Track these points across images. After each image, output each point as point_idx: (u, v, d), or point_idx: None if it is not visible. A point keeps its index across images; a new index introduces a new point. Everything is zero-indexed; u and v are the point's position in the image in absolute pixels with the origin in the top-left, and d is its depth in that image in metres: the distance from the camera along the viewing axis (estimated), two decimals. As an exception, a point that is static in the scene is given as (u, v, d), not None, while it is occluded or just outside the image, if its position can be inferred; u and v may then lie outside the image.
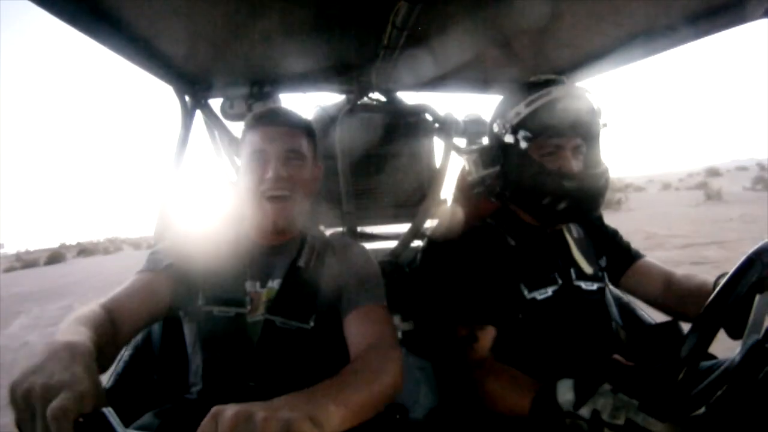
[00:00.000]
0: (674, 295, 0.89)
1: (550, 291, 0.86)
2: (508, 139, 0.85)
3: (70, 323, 0.60)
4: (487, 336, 0.82)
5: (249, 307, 0.79)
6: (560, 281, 0.88)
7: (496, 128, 0.90)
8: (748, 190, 14.25)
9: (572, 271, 0.90)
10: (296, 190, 0.80)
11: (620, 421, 0.56)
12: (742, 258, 0.55)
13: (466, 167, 0.97)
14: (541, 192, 0.83)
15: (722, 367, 0.51)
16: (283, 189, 0.78)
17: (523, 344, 0.84)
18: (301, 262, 0.83)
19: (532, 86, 0.85)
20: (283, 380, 0.68)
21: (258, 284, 0.81)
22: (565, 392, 0.63)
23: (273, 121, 0.82)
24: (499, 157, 0.90)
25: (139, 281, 0.77)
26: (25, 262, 19.87)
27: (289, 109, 0.88)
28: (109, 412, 0.48)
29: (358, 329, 0.76)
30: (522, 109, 0.83)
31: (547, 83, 0.84)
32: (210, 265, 0.81)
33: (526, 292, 0.85)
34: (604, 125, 0.85)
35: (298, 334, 0.78)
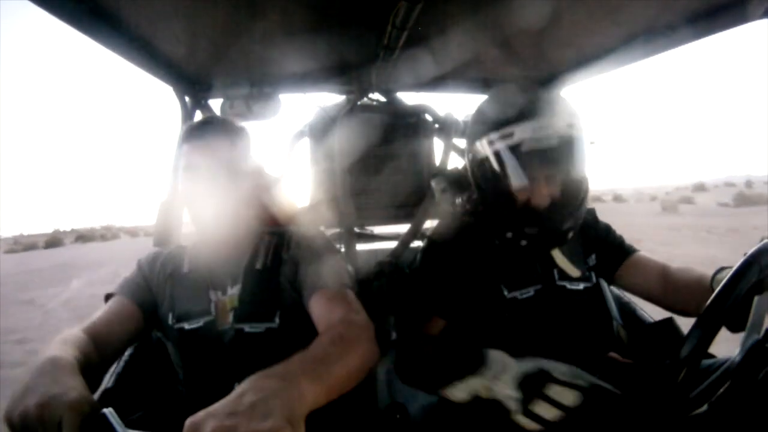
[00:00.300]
0: (671, 289, 0.85)
1: (532, 290, 0.86)
2: (480, 162, 0.84)
3: (54, 344, 0.62)
4: (438, 326, 0.85)
5: (214, 313, 0.80)
6: (543, 281, 0.87)
7: (468, 151, 0.88)
8: (722, 205, 14.48)
9: (555, 272, 0.89)
10: (229, 201, 0.79)
11: (582, 383, 0.60)
12: (741, 259, 0.55)
13: (435, 197, 0.98)
14: (504, 226, 0.84)
15: (723, 367, 0.51)
16: (215, 204, 0.78)
17: (506, 344, 0.84)
18: (258, 264, 0.84)
19: (508, 105, 0.79)
20: None
21: (220, 293, 0.82)
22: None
23: (200, 135, 0.81)
24: (468, 182, 0.90)
25: (114, 306, 0.80)
26: (24, 245, 20.00)
27: (216, 119, 0.87)
28: (109, 412, 0.48)
29: (324, 308, 0.75)
30: (495, 139, 0.79)
31: (527, 102, 0.78)
32: (175, 282, 0.84)
33: (506, 292, 0.85)
34: (591, 143, 0.81)
35: (268, 335, 0.79)
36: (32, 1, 0.71)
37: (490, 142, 0.80)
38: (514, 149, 0.77)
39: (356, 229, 1.47)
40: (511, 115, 0.78)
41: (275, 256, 0.86)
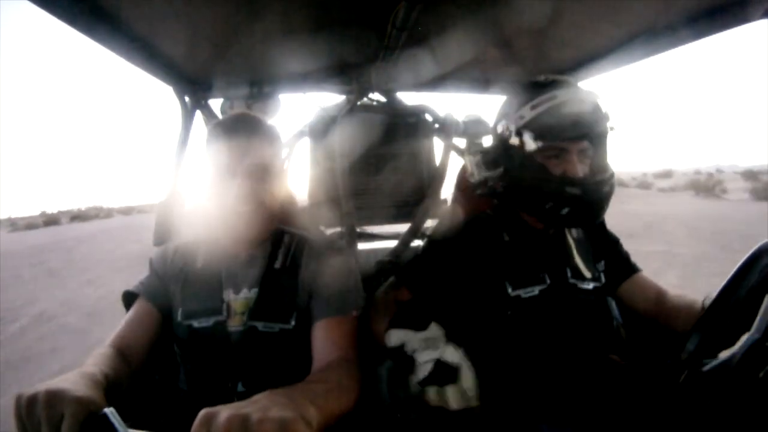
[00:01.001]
0: (664, 310, 0.90)
1: (536, 290, 0.86)
2: (512, 141, 0.85)
3: (87, 362, 0.66)
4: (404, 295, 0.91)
5: (226, 314, 0.80)
6: (549, 281, 0.88)
7: (500, 129, 0.89)
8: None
9: (568, 270, 0.90)
10: (261, 201, 0.79)
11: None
12: (742, 260, 0.55)
13: (468, 169, 0.97)
14: (544, 196, 0.83)
15: (723, 367, 0.51)
16: (247, 204, 0.77)
17: (508, 341, 0.84)
18: (277, 264, 0.84)
19: (537, 87, 0.84)
20: (272, 381, 0.70)
21: (233, 292, 0.82)
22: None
23: (234, 133, 0.79)
24: (502, 159, 0.90)
25: (137, 313, 0.82)
26: (25, 225, 20.53)
27: (249, 116, 0.85)
28: (111, 412, 0.48)
29: (322, 342, 0.78)
30: (527, 112, 0.82)
31: (553, 84, 0.83)
32: (187, 278, 0.84)
33: (510, 290, 0.85)
34: (612, 128, 0.83)
35: (281, 336, 0.79)
36: (32, 1, 0.71)
37: (534, 106, 0.81)
38: (557, 110, 0.80)
39: (356, 229, 1.47)
40: (548, 86, 0.83)
41: (295, 257, 0.86)
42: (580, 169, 0.82)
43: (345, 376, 0.70)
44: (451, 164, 1.49)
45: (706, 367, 0.55)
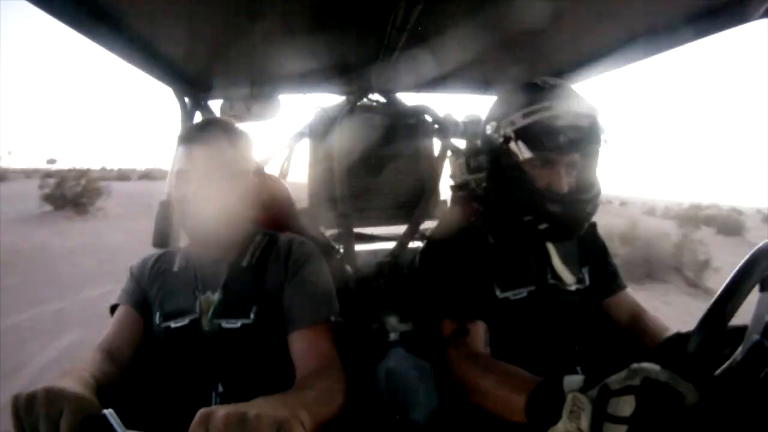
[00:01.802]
0: (639, 331, 0.90)
1: (525, 292, 0.85)
2: (500, 146, 0.83)
3: (72, 368, 0.66)
4: (479, 329, 0.81)
5: (198, 312, 0.81)
6: (536, 283, 0.87)
7: (489, 131, 0.87)
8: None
9: (548, 270, 0.89)
10: (224, 203, 0.80)
11: (635, 382, 0.50)
12: (743, 260, 0.54)
13: (450, 171, 0.97)
14: (524, 208, 0.81)
15: (723, 367, 0.51)
16: (208, 206, 0.78)
17: (497, 344, 0.83)
18: (244, 262, 0.85)
19: (533, 92, 0.81)
20: (250, 381, 0.73)
21: (209, 293, 0.83)
22: (573, 381, 0.57)
23: (192, 140, 0.81)
24: (486, 164, 0.89)
25: (120, 317, 0.84)
26: (119, 176, 22.95)
27: (212, 122, 0.88)
28: (110, 413, 0.48)
29: (302, 352, 0.78)
30: (518, 119, 0.79)
31: (551, 90, 0.80)
32: (164, 283, 0.85)
33: (498, 292, 0.85)
34: (605, 141, 0.81)
35: (244, 331, 0.80)
36: (32, 2, 0.71)
37: (526, 114, 0.79)
38: (550, 122, 0.77)
39: (356, 230, 1.47)
40: (544, 93, 0.80)
41: (263, 256, 0.86)
42: (566, 183, 0.79)
43: (332, 382, 0.70)
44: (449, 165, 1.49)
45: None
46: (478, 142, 0.96)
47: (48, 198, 9.82)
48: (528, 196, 0.80)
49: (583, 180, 0.83)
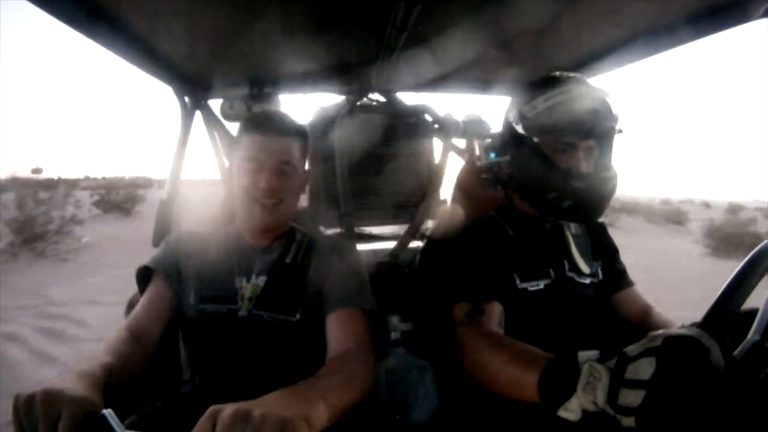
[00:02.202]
0: (645, 324, 0.92)
1: (542, 284, 0.87)
2: (522, 131, 0.86)
3: (87, 357, 0.67)
4: (495, 310, 0.80)
5: (240, 303, 0.82)
6: (554, 275, 0.88)
7: (510, 118, 0.91)
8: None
9: (566, 262, 0.91)
10: (286, 196, 0.84)
11: (656, 343, 0.47)
12: (743, 261, 0.54)
13: (477, 152, 0.98)
14: (547, 187, 0.83)
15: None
16: (274, 197, 0.82)
17: (512, 335, 0.84)
18: (288, 259, 0.87)
19: (552, 81, 0.85)
20: (274, 372, 0.74)
21: (244, 280, 0.84)
22: (588, 354, 0.54)
23: (268, 129, 0.83)
24: (510, 147, 0.91)
25: (150, 293, 0.84)
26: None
27: (284, 115, 0.90)
28: (109, 414, 0.48)
29: (338, 332, 0.80)
30: (539, 104, 0.83)
31: (567, 80, 0.84)
32: (201, 264, 0.86)
33: (518, 282, 0.86)
34: (620, 131, 0.84)
35: (285, 327, 0.82)
36: (32, 2, 0.71)
37: (547, 98, 0.82)
38: (569, 105, 0.80)
39: (356, 229, 1.47)
40: (563, 81, 0.84)
41: (306, 254, 0.89)
42: (585, 166, 0.83)
43: (360, 365, 0.72)
44: (450, 165, 1.49)
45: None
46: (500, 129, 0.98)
47: (98, 204, 12.47)
48: (551, 175, 0.83)
49: (600, 164, 0.86)
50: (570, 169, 0.82)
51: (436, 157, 1.57)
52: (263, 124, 0.85)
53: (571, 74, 0.87)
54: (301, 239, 0.91)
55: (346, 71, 1.35)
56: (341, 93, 1.46)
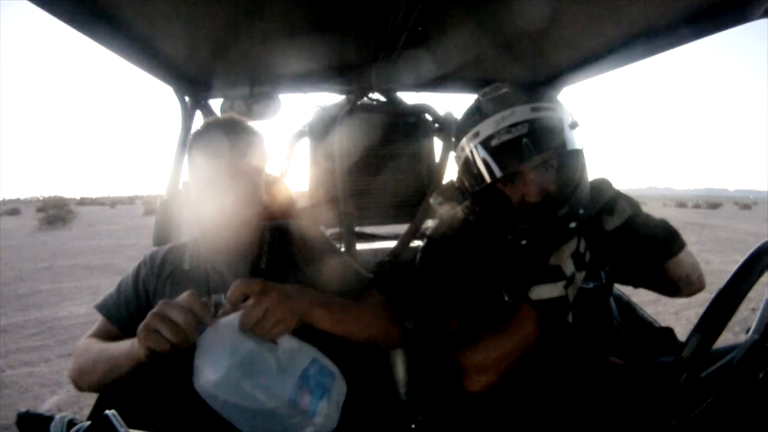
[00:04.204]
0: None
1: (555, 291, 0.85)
2: (466, 168, 0.80)
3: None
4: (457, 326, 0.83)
5: (214, 314, 0.80)
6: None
7: (456, 161, 0.85)
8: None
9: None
10: (244, 203, 0.79)
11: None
12: (743, 260, 0.54)
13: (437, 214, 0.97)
14: (502, 228, 0.81)
15: (723, 368, 0.51)
16: (238, 217, 0.79)
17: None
18: (262, 264, 0.84)
19: (471, 113, 0.79)
20: None
21: (222, 296, 0.82)
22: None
23: (214, 137, 0.78)
24: (465, 192, 0.86)
25: (95, 332, 0.83)
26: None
27: (231, 120, 0.83)
28: (112, 414, 0.48)
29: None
30: (467, 144, 0.78)
31: (484, 104, 0.77)
32: (175, 279, 0.84)
33: (506, 297, 0.84)
34: (572, 126, 0.76)
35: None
36: (32, 2, 0.71)
37: (464, 147, 0.78)
38: (486, 147, 0.74)
39: (356, 229, 1.47)
40: (475, 116, 0.77)
41: (280, 254, 0.86)
42: (537, 192, 0.76)
43: (378, 317, 0.78)
44: (451, 164, 1.49)
45: (704, 373, 0.54)
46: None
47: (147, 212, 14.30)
48: (500, 218, 0.80)
49: (563, 177, 0.78)
50: (520, 208, 0.77)
51: (436, 157, 1.57)
52: (206, 132, 0.82)
53: (489, 94, 0.79)
54: (271, 238, 0.88)
55: (346, 71, 1.35)
56: (341, 93, 1.47)
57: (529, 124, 0.72)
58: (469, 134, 0.76)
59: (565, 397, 0.79)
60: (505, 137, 0.72)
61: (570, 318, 0.82)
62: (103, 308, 0.84)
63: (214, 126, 0.81)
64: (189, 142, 0.82)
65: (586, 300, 0.88)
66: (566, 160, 0.78)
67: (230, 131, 0.79)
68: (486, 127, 0.74)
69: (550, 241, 0.78)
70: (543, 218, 0.75)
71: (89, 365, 0.74)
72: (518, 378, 0.81)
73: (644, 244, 0.82)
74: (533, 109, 0.73)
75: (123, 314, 0.83)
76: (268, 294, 0.61)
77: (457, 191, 0.89)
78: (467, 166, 0.79)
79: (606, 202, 0.80)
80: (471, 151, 0.77)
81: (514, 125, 0.72)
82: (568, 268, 0.77)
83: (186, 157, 0.83)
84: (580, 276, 0.78)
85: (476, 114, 0.77)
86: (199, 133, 0.82)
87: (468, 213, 0.91)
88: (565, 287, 0.79)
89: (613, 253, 0.93)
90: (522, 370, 0.81)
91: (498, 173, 0.74)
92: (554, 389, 0.80)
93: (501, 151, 0.73)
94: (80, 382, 0.76)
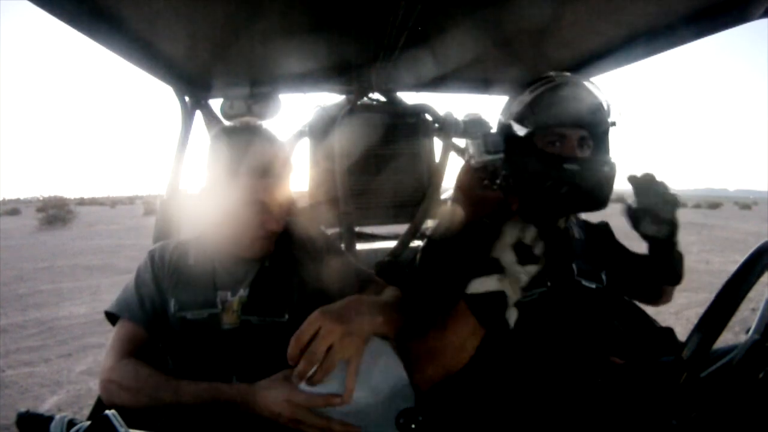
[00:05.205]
0: None
1: (536, 293, 0.85)
2: (512, 126, 0.85)
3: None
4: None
5: (221, 308, 0.81)
6: (549, 284, 0.86)
7: (502, 118, 0.91)
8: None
9: (574, 266, 0.89)
10: (262, 202, 0.80)
11: None
12: (743, 260, 0.55)
13: (470, 150, 0.96)
14: (542, 176, 0.80)
15: (723, 368, 0.51)
16: (248, 204, 0.79)
17: (508, 347, 0.83)
18: (267, 262, 0.86)
19: (542, 78, 0.86)
20: (264, 374, 0.71)
21: (229, 293, 0.83)
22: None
23: (238, 135, 0.80)
24: (502, 144, 0.89)
25: (120, 336, 0.81)
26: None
27: (253, 121, 0.88)
28: (112, 414, 0.48)
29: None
30: (526, 97, 0.84)
31: (558, 76, 0.84)
32: (180, 275, 0.84)
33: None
34: (613, 123, 0.83)
35: (274, 327, 0.81)
36: (32, 2, 0.71)
37: (532, 90, 0.83)
38: (553, 94, 0.80)
39: (356, 229, 1.47)
40: (555, 75, 0.84)
41: (290, 258, 0.88)
42: (579, 153, 0.81)
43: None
44: (451, 164, 1.49)
45: (704, 373, 0.55)
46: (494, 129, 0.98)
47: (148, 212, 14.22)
48: (544, 163, 0.81)
49: (597, 155, 0.85)
50: (561, 154, 0.81)
51: (436, 157, 1.57)
52: (231, 131, 0.83)
53: (566, 74, 0.87)
54: (285, 243, 0.89)
55: (346, 71, 1.35)
56: (341, 93, 1.47)
57: (594, 98, 0.81)
58: (539, 84, 0.83)
59: (565, 397, 0.79)
60: (575, 94, 0.80)
61: (512, 317, 0.73)
62: (122, 311, 0.83)
63: (241, 123, 0.88)
64: (213, 136, 0.83)
65: (586, 300, 0.88)
66: (606, 145, 0.85)
67: (255, 127, 0.84)
68: (562, 79, 0.83)
69: (588, 196, 0.80)
70: (590, 164, 0.80)
71: (151, 397, 0.72)
72: (512, 382, 0.81)
73: (659, 267, 0.89)
74: (599, 91, 0.82)
75: (148, 312, 0.82)
76: (323, 338, 0.60)
77: (493, 146, 0.91)
78: (525, 113, 0.84)
79: (664, 208, 0.82)
80: (536, 97, 0.82)
81: (584, 90, 0.81)
82: (506, 260, 0.73)
83: (210, 154, 0.82)
84: (527, 270, 0.72)
85: (547, 77, 0.85)
86: (226, 127, 0.85)
87: (501, 183, 0.91)
88: (500, 281, 0.73)
89: (620, 259, 0.94)
90: (516, 374, 0.80)
91: (567, 118, 0.79)
92: (554, 389, 0.80)
93: (570, 103, 0.79)
94: (124, 404, 0.74)
